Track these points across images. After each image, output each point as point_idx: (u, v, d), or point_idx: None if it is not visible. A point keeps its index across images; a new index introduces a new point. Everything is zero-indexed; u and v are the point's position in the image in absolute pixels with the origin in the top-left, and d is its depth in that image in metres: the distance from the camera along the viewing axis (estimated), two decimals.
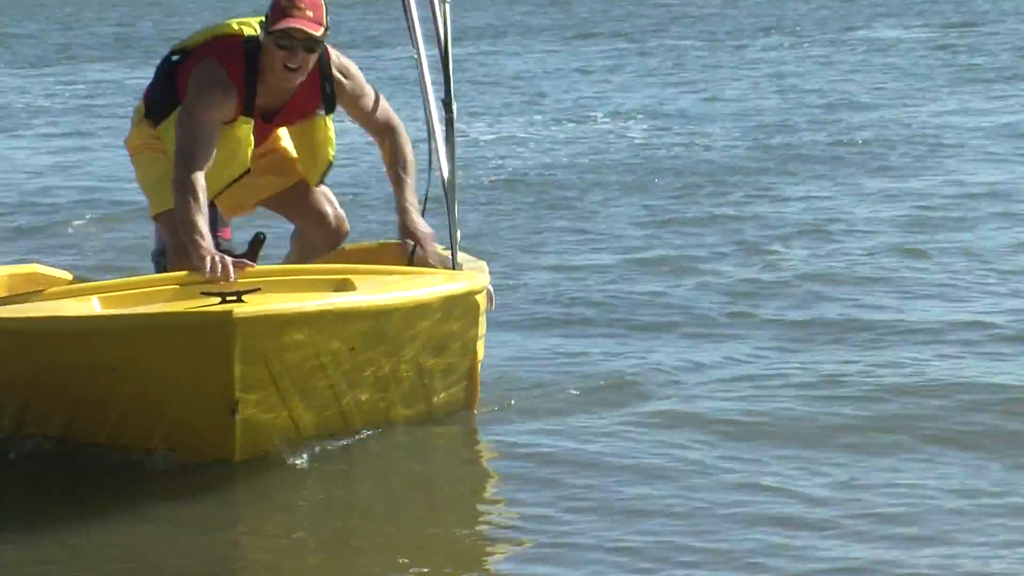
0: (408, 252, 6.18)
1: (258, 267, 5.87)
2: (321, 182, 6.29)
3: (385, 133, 6.28)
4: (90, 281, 7.26)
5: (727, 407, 6.26)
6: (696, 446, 5.70)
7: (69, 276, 7.05)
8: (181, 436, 5.53)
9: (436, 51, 6.49)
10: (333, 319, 5.50)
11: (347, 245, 7.24)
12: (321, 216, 6.35)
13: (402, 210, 6.15)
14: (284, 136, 6.35)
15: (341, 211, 6.40)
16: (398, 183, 6.28)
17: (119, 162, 10.89)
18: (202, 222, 5.81)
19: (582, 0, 38.81)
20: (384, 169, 6.55)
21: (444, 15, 6.32)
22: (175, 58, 6.16)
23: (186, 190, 5.84)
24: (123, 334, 5.44)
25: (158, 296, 5.73)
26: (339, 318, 5.51)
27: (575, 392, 6.61)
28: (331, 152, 6.23)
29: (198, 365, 5.35)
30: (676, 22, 33.55)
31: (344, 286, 5.77)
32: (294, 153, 6.36)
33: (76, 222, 11.48)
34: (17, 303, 5.98)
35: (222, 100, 6.01)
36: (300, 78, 5.96)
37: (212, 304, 5.28)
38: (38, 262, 7.56)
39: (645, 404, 6.34)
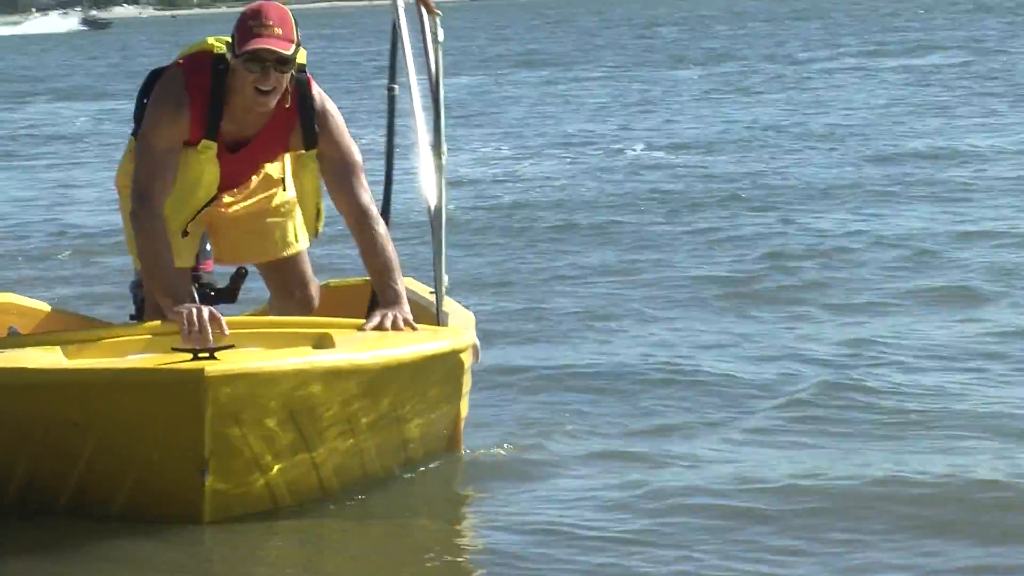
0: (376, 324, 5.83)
1: (234, 318, 5.62)
2: (317, 233, 6.04)
3: (363, 218, 5.84)
4: (68, 311, 7.10)
5: (727, 488, 5.82)
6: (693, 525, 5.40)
7: (47, 307, 6.86)
8: (147, 497, 5.30)
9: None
10: (310, 378, 5.25)
11: (331, 281, 7.12)
12: (290, 294, 6.16)
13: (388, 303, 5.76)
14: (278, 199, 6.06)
15: (311, 291, 6.14)
16: (385, 286, 5.82)
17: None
18: (166, 265, 5.54)
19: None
20: (359, 256, 6.08)
21: (436, 54, 6.09)
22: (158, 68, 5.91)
23: (142, 227, 5.56)
24: (88, 388, 5.20)
25: (128, 347, 5.50)
26: (317, 378, 5.27)
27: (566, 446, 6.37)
28: (320, 202, 5.95)
29: (167, 424, 5.12)
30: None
31: (323, 342, 5.51)
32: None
33: (65, 253, 11.51)
34: None
35: (173, 119, 5.68)
36: (273, 100, 5.63)
37: (183, 360, 5.04)
38: (13, 291, 7.40)
39: (650, 479, 5.98)
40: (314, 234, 6.04)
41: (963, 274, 9.45)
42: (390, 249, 5.73)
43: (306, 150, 5.80)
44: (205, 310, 5.30)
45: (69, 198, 15.65)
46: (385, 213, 6.32)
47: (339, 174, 5.80)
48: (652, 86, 27.58)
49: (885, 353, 7.62)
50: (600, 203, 13.72)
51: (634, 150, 17.79)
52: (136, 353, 5.42)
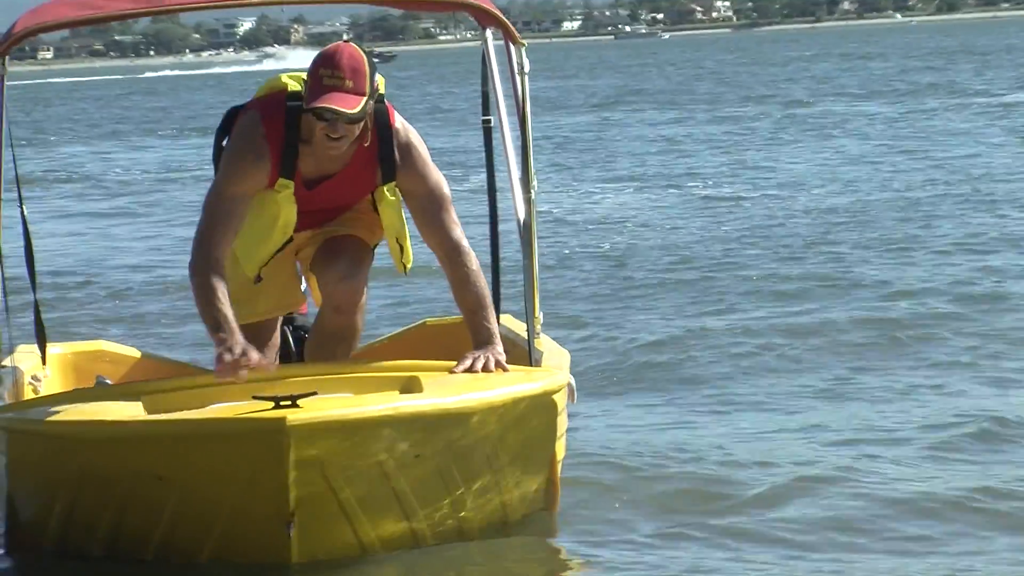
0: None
1: (319, 364, 5.63)
2: (405, 270, 5.98)
3: (454, 254, 5.74)
4: (158, 357, 7.23)
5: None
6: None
7: (136, 353, 7.00)
8: (234, 546, 5.32)
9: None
10: (397, 425, 5.21)
11: (428, 320, 7.24)
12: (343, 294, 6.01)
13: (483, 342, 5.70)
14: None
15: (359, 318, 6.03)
16: (478, 325, 5.74)
17: None
18: (223, 309, 5.52)
19: None
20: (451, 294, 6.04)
21: (523, 84, 6.04)
22: (237, 105, 5.96)
23: (198, 276, 5.57)
24: (169, 440, 5.23)
25: (211, 396, 5.51)
26: (404, 423, 5.22)
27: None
28: (403, 238, 5.85)
29: (250, 474, 5.11)
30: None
31: (410, 386, 5.48)
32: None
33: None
34: (61, 403, 5.80)
35: (252, 169, 5.68)
36: (345, 145, 5.58)
37: (265, 409, 5.02)
38: (104, 338, 7.59)
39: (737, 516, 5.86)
40: (401, 270, 5.97)
41: None
42: (482, 285, 5.63)
43: (384, 184, 5.74)
44: (239, 347, 5.33)
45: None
46: (494, 247, 6.37)
47: (426, 209, 5.70)
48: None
49: None
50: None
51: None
52: (219, 402, 5.43)
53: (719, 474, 6.49)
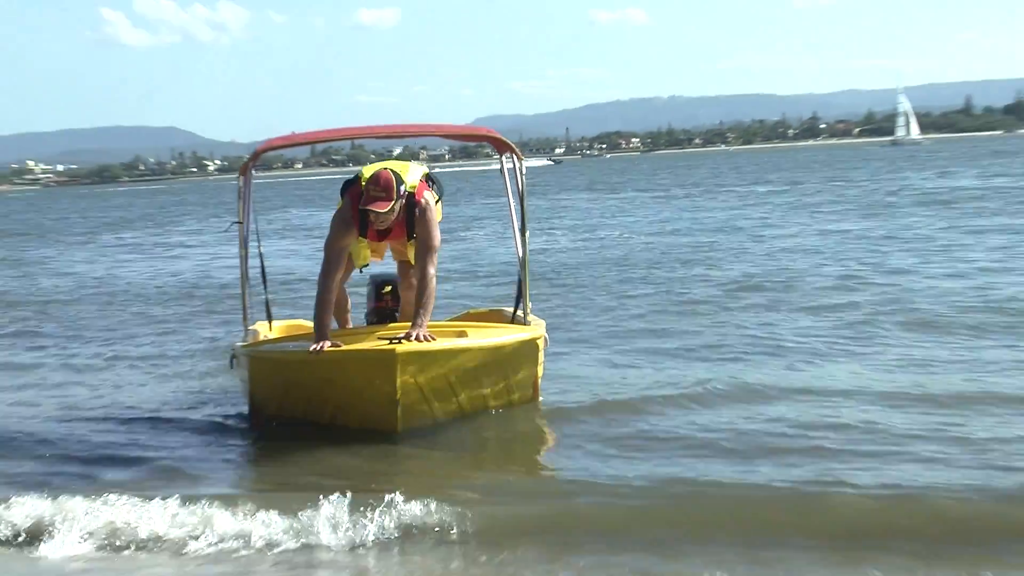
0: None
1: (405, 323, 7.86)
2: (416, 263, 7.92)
3: (421, 279, 7.67)
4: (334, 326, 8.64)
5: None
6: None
7: (310, 324, 8.21)
8: (368, 420, 7.37)
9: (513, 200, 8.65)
10: (455, 353, 7.43)
11: (471, 310, 9.69)
12: (410, 283, 8.26)
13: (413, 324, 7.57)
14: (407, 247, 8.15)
15: (414, 280, 8.08)
16: (416, 316, 7.62)
17: None
18: (325, 318, 7.63)
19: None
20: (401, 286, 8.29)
21: (521, 182, 8.60)
22: (350, 178, 8.14)
23: (321, 297, 7.67)
24: (334, 361, 7.39)
25: (358, 338, 7.71)
26: (459, 353, 7.46)
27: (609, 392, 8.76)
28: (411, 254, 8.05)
29: (377, 379, 7.20)
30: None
31: (462, 334, 7.77)
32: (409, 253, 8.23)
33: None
34: (277, 344, 8.13)
35: (346, 231, 7.83)
36: (387, 221, 7.86)
37: (384, 344, 7.27)
38: (299, 318, 10.02)
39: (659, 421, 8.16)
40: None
41: None
42: (427, 296, 7.65)
43: (408, 238, 8.09)
44: (322, 345, 7.42)
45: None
46: (523, 266, 8.52)
47: (420, 250, 7.90)
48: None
49: None
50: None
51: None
52: (363, 341, 7.55)
53: (626, 392, 8.94)
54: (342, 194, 8.11)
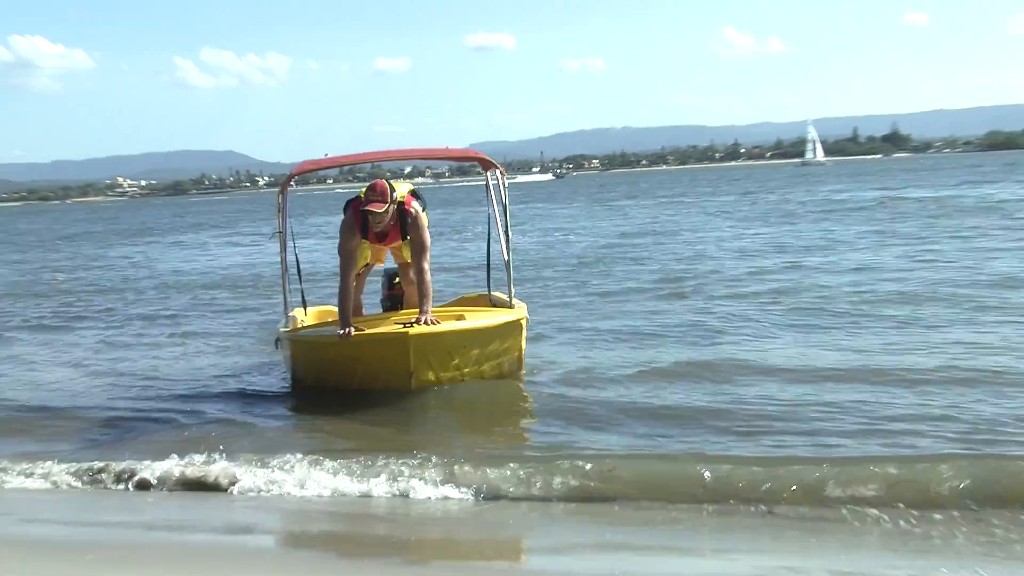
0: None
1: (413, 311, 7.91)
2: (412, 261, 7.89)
3: (418, 274, 7.67)
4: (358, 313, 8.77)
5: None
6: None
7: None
8: (390, 385, 7.39)
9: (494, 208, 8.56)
10: (456, 333, 7.51)
11: (465, 295, 9.55)
12: (410, 279, 8.26)
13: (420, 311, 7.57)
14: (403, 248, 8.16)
15: (412, 276, 8.02)
16: (421, 305, 7.58)
17: None
18: (347, 308, 7.57)
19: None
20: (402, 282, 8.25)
21: (504, 194, 8.56)
22: (351, 197, 8.11)
23: (342, 291, 7.67)
24: (358, 342, 7.49)
25: (379, 323, 7.80)
26: (459, 333, 7.52)
27: (584, 360, 8.67)
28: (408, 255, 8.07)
29: (394, 356, 7.32)
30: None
31: (460, 317, 7.82)
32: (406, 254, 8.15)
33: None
34: (313, 330, 8.15)
35: (351, 237, 7.82)
36: (384, 223, 7.81)
37: (399, 328, 7.38)
38: (330, 304, 9.74)
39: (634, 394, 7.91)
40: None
41: None
42: (425, 288, 7.58)
43: (403, 240, 8.08)
44: (348, 331, 7.45)
45: None
46: (508, 265, 8.50)
47: (415, 250, 7.92)
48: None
49: None
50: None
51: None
52: (382, 326, 7.65)
53: (595, 360, 8.88)
54: (344, 210, 8.05)
